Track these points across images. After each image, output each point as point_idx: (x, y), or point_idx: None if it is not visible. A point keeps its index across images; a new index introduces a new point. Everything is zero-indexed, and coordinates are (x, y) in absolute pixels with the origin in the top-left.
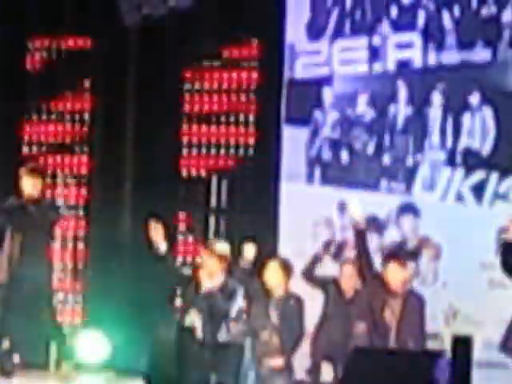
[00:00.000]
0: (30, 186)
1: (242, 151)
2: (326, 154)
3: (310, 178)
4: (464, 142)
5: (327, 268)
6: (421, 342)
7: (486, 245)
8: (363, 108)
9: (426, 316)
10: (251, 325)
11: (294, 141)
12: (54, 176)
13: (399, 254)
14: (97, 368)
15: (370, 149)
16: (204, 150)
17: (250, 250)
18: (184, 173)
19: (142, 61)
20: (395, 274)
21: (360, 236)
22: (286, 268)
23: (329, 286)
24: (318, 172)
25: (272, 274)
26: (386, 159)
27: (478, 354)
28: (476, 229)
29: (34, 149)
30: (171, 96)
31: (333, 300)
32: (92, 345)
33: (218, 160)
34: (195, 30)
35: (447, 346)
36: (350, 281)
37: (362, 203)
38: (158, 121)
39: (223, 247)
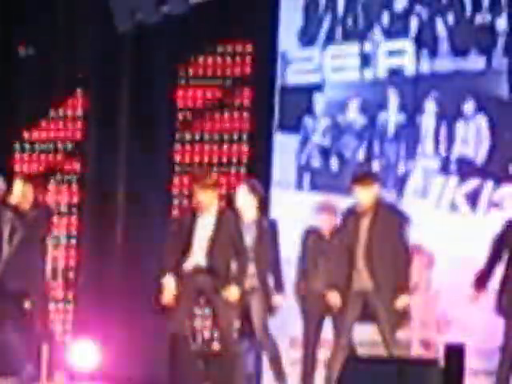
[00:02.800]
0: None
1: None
2: (316, 161)
3: (299, 184)
4: (458, 150)
5: None
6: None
7: (479, 252)
8: (354, 115)
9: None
10: None
11: (284, 148)
12: None
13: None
14: (88, 377)
15: (360, 156)
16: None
17: None
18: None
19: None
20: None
21: None
22: (255, 191)
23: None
24: (307, 179)
25: (242, 198)
26: (376, 166)
27: (470, 362)
28: (470, 237)
29: None
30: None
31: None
32: (83, 353)
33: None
34: (187, 38)
35: (440, 354)
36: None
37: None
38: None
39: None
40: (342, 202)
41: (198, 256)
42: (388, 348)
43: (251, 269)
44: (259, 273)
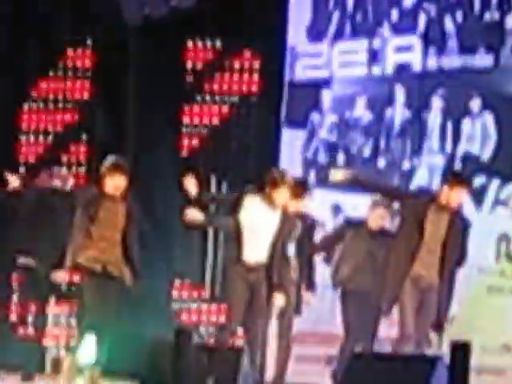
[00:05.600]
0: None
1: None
2: (322, 157)
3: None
4: (463, 147)
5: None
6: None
7: (484, 251)
8: (361, 111)
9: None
10: None
11: (291, 143)
12: None
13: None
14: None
15: (366, 152)
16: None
17: None
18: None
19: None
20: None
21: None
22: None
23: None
24: (313, 174)
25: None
26: (382, 162)
27: (475, 359)
28: (475, 234)
29: None
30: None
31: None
32: (87, 347)
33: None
34: (196, 31)
35: (445, 351)
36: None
37: (356, 206)
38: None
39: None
40: (348, 199)
41: (259, 251)
42: None
43: (293, 263)
44: (301, 268)
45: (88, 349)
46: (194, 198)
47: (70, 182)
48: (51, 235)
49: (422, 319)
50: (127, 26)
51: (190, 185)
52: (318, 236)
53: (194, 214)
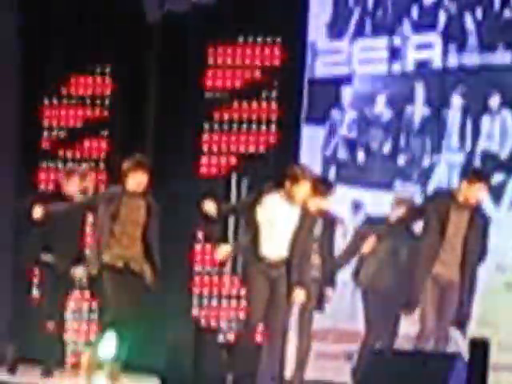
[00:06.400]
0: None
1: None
2: (342, 154)
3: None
4: (483, 144)
5: None
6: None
7: (503, 248)
8: (381, 108)
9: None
10: None
11: (311, 140)
12: None
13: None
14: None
15: (386, 149)
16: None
17: None
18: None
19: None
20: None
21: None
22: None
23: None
24: (333, 171)
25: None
26: (402, 160)
27: (492, 356)
28: (493, 231)
29: None
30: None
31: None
32: (107, 343)
33: (238, 159)
34: (217, 27)
35: (462, 348)
36: None
37: (377, 203)
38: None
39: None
40: (368, 195)
41: (279, 247)
42: None
43: (315, 260)
44: (322, 265)
45: (108, 344)
46: (215, 218)
47: (89, 179)
48: (69, 232)
49: (443, 316)
50: (149, 23)
51: (210, 207)
52: (339, 233)
53: (210, 207)
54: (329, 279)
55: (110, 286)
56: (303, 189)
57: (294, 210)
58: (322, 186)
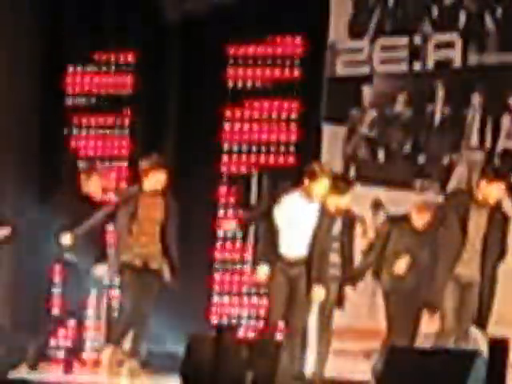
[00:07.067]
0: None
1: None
2: (362, 152)
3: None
4: (502, 143)
5: None
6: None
7: None
8: (401, 107)
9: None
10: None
11: (331, 138)
12: None
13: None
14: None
15: (406, 148)
16: (245, 148)
17: None
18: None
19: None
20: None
21: None
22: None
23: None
24: (353, 170)
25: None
26: (422, 158)
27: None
28: None
29: None
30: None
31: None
32: (127, 341)
33: (259, 158)
34: (237, 27)
35: (481, 346)
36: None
37: (396, 202)
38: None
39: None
40: (388, 194)
41: (298, 246)
42: None
43: (335, 259)
44: (343, 264)
45: (128, 342)
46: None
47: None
48: (91, 231)
49: (463, 315)
50: (168, 23)
51: (230, 225)
52: (358, 231)
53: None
54: (348, 278)
55: (129, 284)
56: (322, 186)
57: (313, 208)
58: (341, 183)
